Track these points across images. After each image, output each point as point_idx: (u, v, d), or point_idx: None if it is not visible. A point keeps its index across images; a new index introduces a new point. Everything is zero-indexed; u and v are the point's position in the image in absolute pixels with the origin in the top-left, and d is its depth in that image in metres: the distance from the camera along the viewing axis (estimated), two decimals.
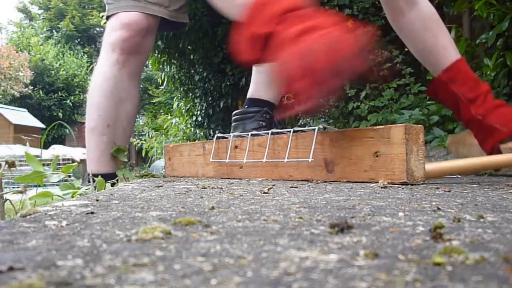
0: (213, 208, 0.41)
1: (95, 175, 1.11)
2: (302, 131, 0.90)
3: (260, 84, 1.41)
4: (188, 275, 0.18)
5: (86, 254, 0.23)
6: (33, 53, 14.62)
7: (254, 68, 1.41)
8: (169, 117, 5.45)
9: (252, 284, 0.17)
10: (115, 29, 1.22)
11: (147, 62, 4.75)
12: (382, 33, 2.92)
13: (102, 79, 1.24)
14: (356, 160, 0.77)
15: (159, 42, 4.08)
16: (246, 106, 1.39)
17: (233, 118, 1.40)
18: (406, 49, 2.75)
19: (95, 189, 0.88)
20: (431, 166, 0.79)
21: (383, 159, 0.73)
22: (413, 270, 0.19)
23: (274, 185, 0.74)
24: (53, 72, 14.57)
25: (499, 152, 0.95)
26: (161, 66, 4.35)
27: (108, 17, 1.26)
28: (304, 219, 0.34)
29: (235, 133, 1.11)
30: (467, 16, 2.60)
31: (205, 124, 4.16)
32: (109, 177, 1.12)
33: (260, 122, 1.36)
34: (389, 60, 2.67)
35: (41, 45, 15.44)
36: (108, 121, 1.23)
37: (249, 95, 1.42)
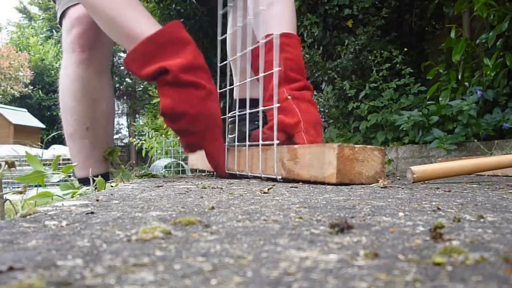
0: (213, 208, 0.41)
1: (83, 180, 1.09)
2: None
3: (245, 83, 1.37)
4: (188, 275, 0.18)
5: (86, 254, 0.23)
6: (33, 53, 14.63)
7: (233, 69, 1.34)
8: None
9: (252, 284, 0.17)
10: (69, 28, 1.17)
11: None
12: (382, 33, 2.92)
13: (69, 82, 1.18)
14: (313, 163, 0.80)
15: None
16: (238, 108, 1.36)
17: (229, 120, 1.35)
18: (406, 49, 2.76)
19: (95, 189, 0.88)
20: (423, 168, 0.79)
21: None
22: (413, 270, 0.19)
23: (274, 185, 0.74)
24: (53, 72, 14.57)
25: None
26: None
27: (60, 19, 1.20)
28: (304, 219, 0.34)
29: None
30: (467, 16, 2.60)
31: None
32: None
33: (256, 122, 1.30)
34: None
35: (41, 45, 15.44)
36: (86, 124, 1.18)
37: (236, 96, 1.35)
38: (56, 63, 14.84)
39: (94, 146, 1.19)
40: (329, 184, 0.74)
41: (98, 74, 1.20)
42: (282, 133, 0.97)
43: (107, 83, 1.25)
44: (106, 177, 1.19)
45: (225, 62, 1.17)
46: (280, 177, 0.87)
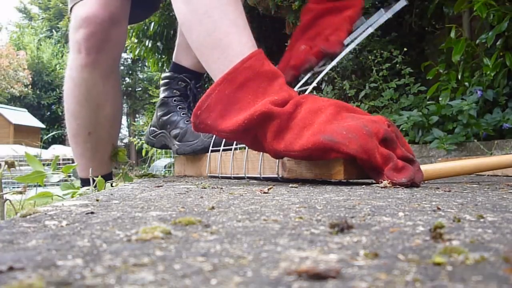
0: (213, 208, 0.41)
1: (85, 180, 1.09)
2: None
3: (179, 46, 1.27)
4: (188, 275, 0.18)
5: (86, 254, 0.23)
6: (29, 51, 14.66)
7: (178, 30, 1.28)
8: None
9: (252, 284, 0.17)
10: (76, 27, 1.07)
11: (147, 63, 4.73)
12: (382, 33, 2.92)
13: (73, 85, 1.12)
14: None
15: (159, 43, 4.07)
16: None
17: (161, 82, 1.29)
18: (405, 49, 2.76)
19: (95, 189, 0.88)
20: (424, 168, 0.79)
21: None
22: (413, 270, 0.19)
23: (274, 185, 0.74)
24: (51, 70, 14.60)
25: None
26: (160, 66, 4.34)
27: (71, 9, 1.11)
28: (304, 219, 0.34)
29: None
30: (467, 16, 2.60)
31: None
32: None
33: (174, 91, 1.25)
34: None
35: (39, 44, 15.48)
36: (89, 129, 1.13)
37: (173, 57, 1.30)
38: (54, 61, 14.87)
39: (97, 149, 1.16)
40: (335, 181, 0.74)
41: (105, 77, 1.12)
42: None
43: (115, 86, 1.18)
44: (109, 177, 1.18)
45: None
46: (281, 177, 0.87)
